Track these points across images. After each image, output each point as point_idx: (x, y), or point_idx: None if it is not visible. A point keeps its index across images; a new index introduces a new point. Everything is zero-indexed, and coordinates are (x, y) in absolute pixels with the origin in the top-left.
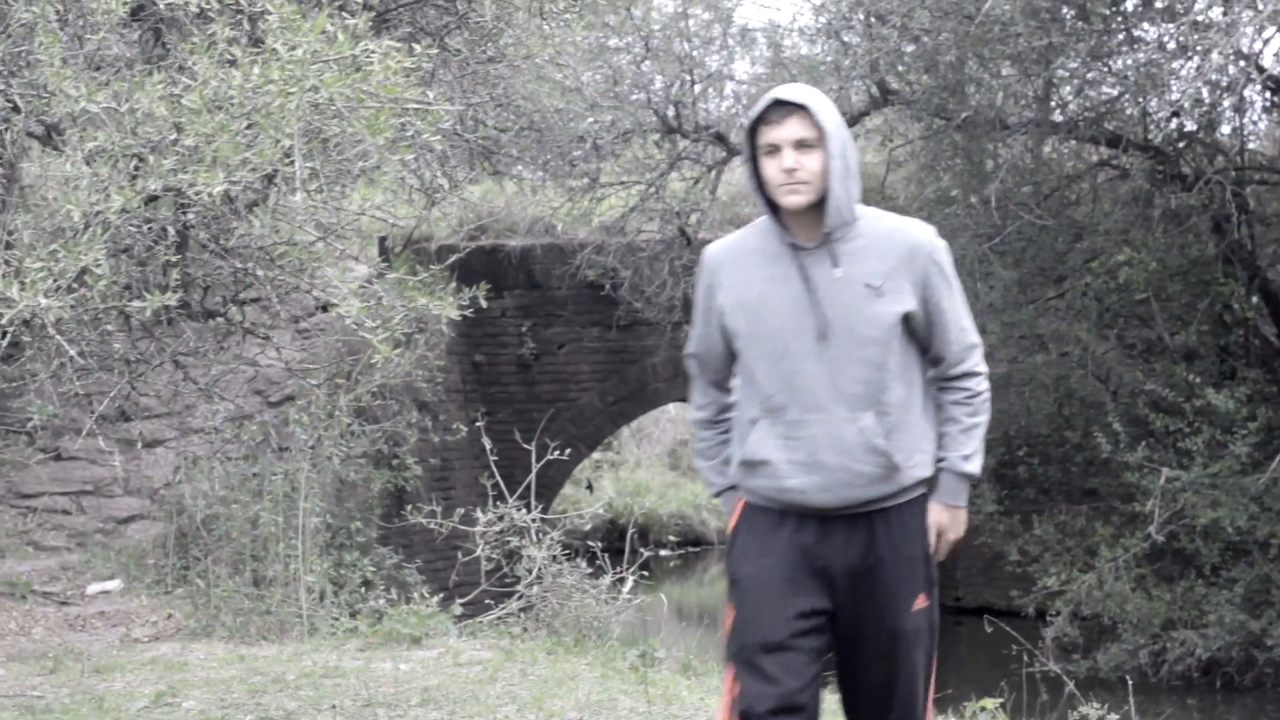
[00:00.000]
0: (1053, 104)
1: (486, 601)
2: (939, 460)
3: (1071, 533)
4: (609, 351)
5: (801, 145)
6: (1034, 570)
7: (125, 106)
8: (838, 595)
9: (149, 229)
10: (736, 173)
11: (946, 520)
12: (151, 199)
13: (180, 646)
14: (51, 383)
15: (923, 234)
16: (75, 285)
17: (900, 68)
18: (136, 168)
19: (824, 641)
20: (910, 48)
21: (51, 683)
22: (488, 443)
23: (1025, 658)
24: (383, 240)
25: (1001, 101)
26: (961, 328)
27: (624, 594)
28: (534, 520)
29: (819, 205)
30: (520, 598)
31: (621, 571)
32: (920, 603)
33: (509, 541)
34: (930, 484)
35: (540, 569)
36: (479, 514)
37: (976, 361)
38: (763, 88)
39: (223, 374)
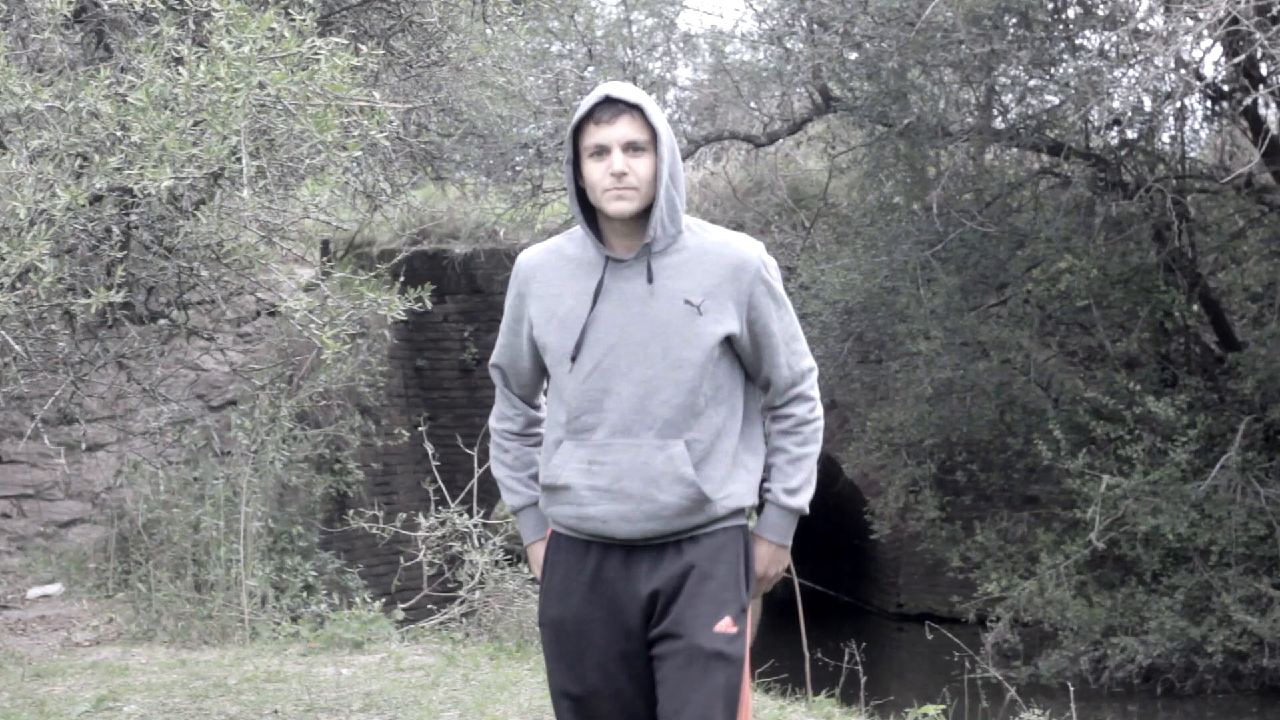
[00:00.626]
0: (994, 111)
1: (429, 606)
2: (764, 492)
3: (1013, 539)
4: None
5: (632, 148)
6: (975, 576)
7: (70, 106)
8: (648, 618)
9: (93, 228)
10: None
11: (767, 557)
12: (96, 198)
13: (121, 651)
14: None
15: (751, 249)
16: (19, 283)
17: (843, 74)
18: (81, 166)
19: (643, 679)
20: (852, 54)
21: None
22: (430, 447)
23: (967, 664)
24: (325, 244)
25: (943, 109)
26: (793, 351)
27: None
28: (476, 525)
29: (642, 215)
30: (462, 603)
31: None
32: (725, 626)
33: (451, 546)
34: (754, 513)
35: (482, 574)
36: (421, 519)
37: (808, 387)
38: (705, 94)
39: (166, 377)
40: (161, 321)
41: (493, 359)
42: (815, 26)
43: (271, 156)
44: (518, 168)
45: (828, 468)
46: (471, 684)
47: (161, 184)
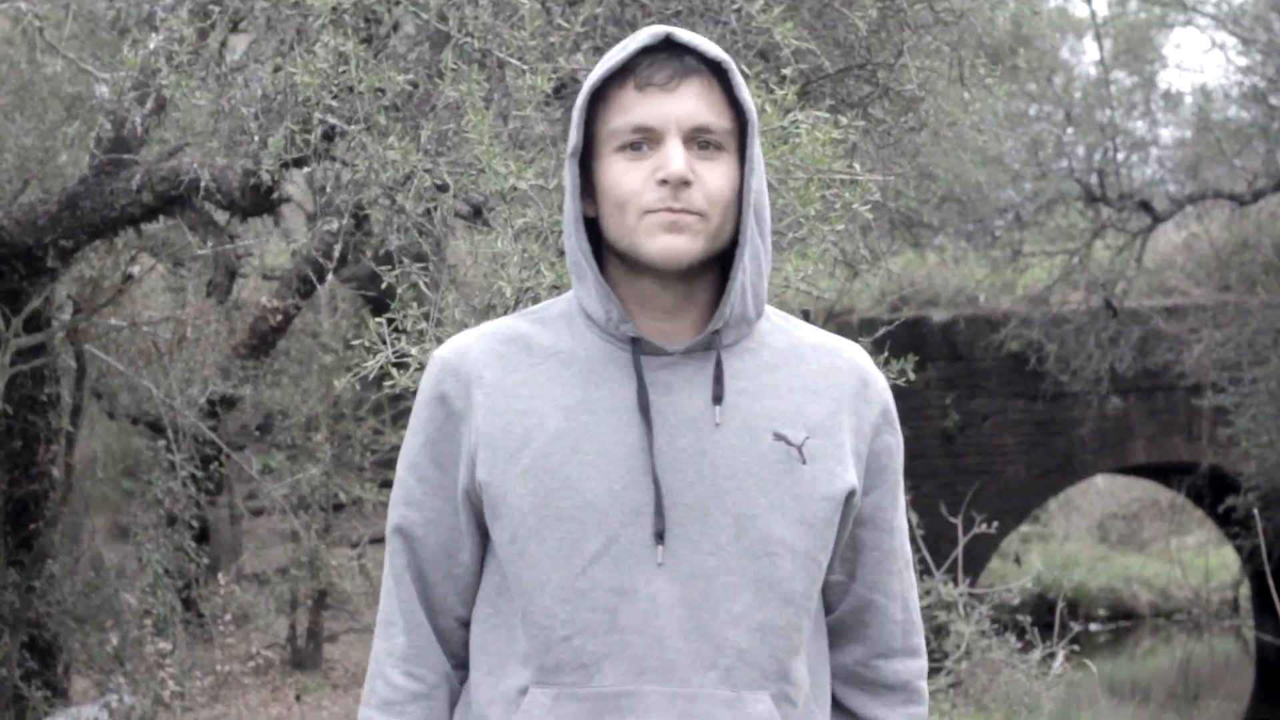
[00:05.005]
0: None
1: None
2: None
3: None
4: (1034, 423)
5: (702, 139)
6: None
7: (553, 184)
8: None
9: None
10: (1162, 240)
11: None
12: None
13: None
14: None
15: (870, 363)
16: None
17: None
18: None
19: None
20: None
21: None
22: (914, 516)
23: None
24: (806, 314)
25: None
26: (909, 584)
27: (1054, 669)
28: (962, 594)
29: (699, 271)
30: (949, 673)
31: (1051, 646)
32: None
33: (936, 616)
34: None
35: (969, 644)
36: None
37: (918, 673)
38: (1189, 153)
39: None
40: None
41: (394, 520)
42: None
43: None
44: (997, 232)
45: None
46: None
47: None
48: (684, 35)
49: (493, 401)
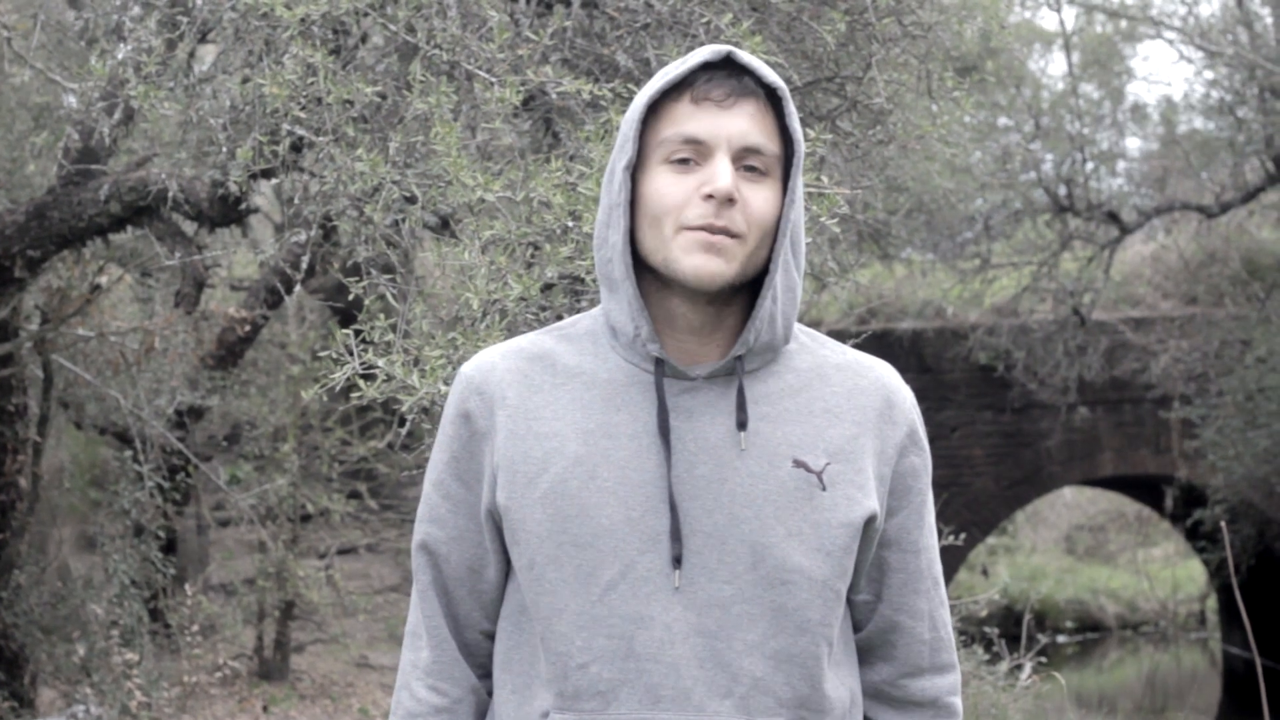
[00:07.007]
0: None
1: None
2: None
3: None
4: (1002, 435)
5: (749, 161)
6: None
7: (520, 195)
8: None
9: (543, 316)
10: (1130, 251)
11: None
12: (547, 287)
13: None
14: None
15: (898, 381)
16: None
17: None
18: (532, 256)
19: None
20: None
21: None
22: None
23: None
24: None
25: None
26: (939, 600)
27: (1022, 681)
28: None
29: (732, 295)
30: None
31: (1019, 658)
32: None
33: None
34: None
35: None
36: None
37: (950, 688)
38: (1155, 165)
39: None
40: None
41: (419, 536)
42: (1267, 94)
43: None
44: (965, 243)
45: None
46: None
47: None
48: (744, 57)
49: (514, 424)
